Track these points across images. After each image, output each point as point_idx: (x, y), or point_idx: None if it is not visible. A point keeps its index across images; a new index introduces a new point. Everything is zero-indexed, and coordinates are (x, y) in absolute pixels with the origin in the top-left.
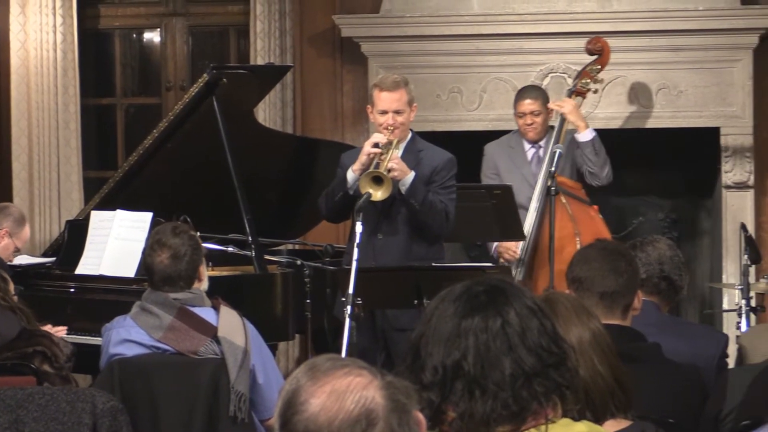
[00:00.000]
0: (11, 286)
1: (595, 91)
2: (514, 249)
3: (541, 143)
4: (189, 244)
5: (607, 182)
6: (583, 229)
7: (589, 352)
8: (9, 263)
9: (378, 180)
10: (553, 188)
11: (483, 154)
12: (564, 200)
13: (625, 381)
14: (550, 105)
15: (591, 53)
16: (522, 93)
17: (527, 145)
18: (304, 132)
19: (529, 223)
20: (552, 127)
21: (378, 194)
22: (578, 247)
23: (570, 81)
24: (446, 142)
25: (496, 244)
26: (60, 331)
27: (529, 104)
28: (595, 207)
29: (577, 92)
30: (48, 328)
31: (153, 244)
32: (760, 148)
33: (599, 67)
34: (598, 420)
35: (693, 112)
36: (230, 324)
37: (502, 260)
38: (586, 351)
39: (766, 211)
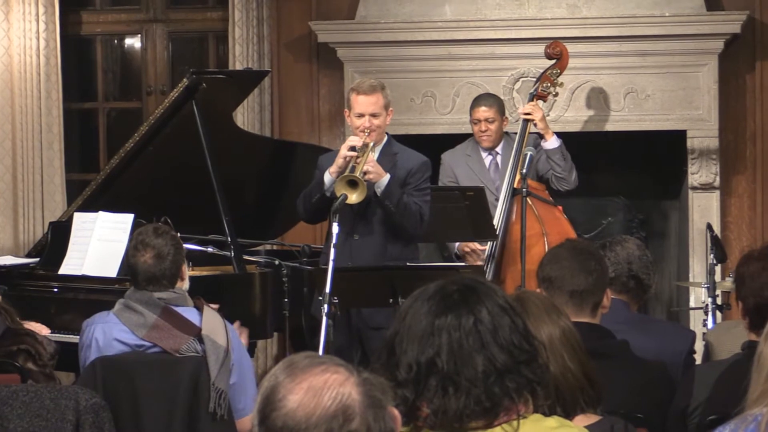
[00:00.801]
0: None
1: (556, 95)
2: (473, 248)
3: (498, 149)
4: (171, 243)
5: (573, 186)
6: (549, 229)
7: (560, 349)
8: None
9: (353, 183)
10: (524, 189)
11: (440, 162)
12: (530, 201)
13: (594, 377)
14: (519, 113)
15: (550, 57)
16: (477, 100)
17: (484, 153)
18: (281, 135)
19: (495, 224)
20: (507, 134)
21: (353, 197)
22: (546, 246)
23: None
24: (420, 145)
25: (458, 243)
26: (42, 330)
27: (483, 111)
28: (560, 207)
29: (539, 96)
30: (30, 325)
31: (137, 244)
32: (726, 151)
33: (558, 71)
34: (569, 415)
35: (660, 116)
36: (213, 323)
37: (467, 259)
38: (556, 348)
39: (732, 211)
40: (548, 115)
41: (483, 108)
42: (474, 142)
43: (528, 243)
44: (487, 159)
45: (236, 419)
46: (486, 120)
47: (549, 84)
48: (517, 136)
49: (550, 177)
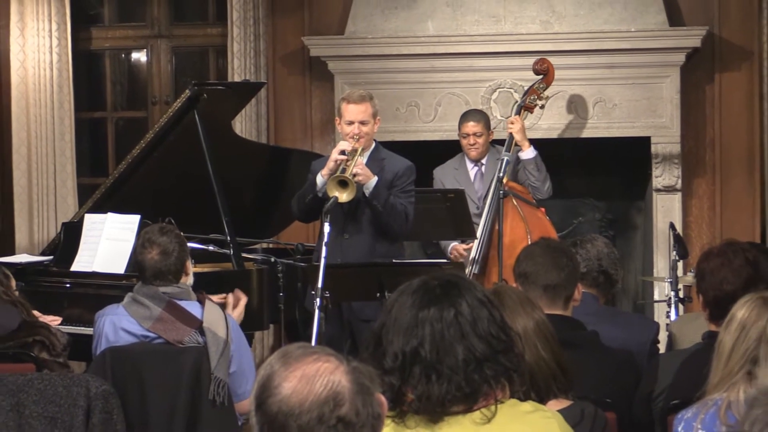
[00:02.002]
0: (13, 282)
1: (542, 107)
2: (461, 251)
3: (483, 161)
4: (176, 241)
5: (547, 196)
6: (533, 229)
7: (533, 340)
8: (12, 262)
9: (343, 183)
10: (501, 191)
11: (432, 177)
12: (515, 203)
13: (565, 366)
14: (507, 125)
15: (537, 73)
16: (466, 116)
17: (470, 165)
18: (276, 142)
19: (481, 226)
20: (492, 145)
21: (343, 196)
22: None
23: (516, 95)
24: (405, 151)
25: (452, 245)
26: (54, 321)
27: (472, 126)
28: (542, 209)
29: (526, 107)
30: (44, 318)
31: (144, 242)
32: (687, 156)
33: (545, 85)
34: (542, 400)
35: (626, 123)
36: (213, 316)
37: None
38: (530, 338)
39: (693, 212)
40: (526, 124)
41: (471, 123)
42: (461, 157)
43: (513, 242)
44: (473, 171)
45: (237, 402)
46: (474, 134)
47: (536, 97)
48: (506, 144)
49: (527, 186)
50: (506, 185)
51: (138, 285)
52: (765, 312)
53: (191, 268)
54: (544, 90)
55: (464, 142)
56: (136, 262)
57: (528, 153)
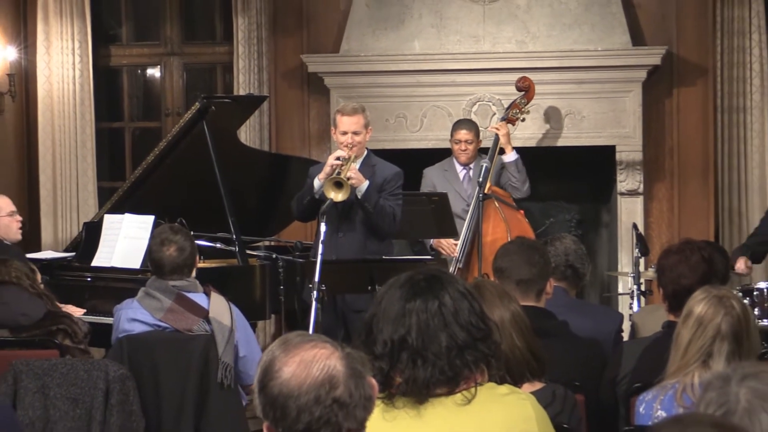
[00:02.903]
0: (38, 276)
1: (523, 120)
2: (446, 244)
3: (471, 165)
4: (188, 239)
5: (526, 195)
6: (513, 229)
7: (509, 330)
8: (38, 258)
9: (338, 185)
10: (481, 194)
11: (422, 176)
12: (497, 205)
13: (538, 353)
14: (491, 128)
15: (520, 89)
16: (459, 124)
17: (459, 167)
18: (278, 150)
19: (465, 226)
20: (480, 154)
21: (338, 197)
22: None
23: (494, 108)
24: (394, 158)
25: (432, 240)
26: (77, 311)
27: (464, 134)
28: (521, 211)
29: (509, 120)
30: (67, 308)
31: (162, 241)
32: (648, 163)
33: (526, 101)
34: (516, 384)
35: (594, 133)
36: (219, 307)
37: (441, 252)
38: (506, 328)
39: (653, 213)
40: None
41: (464, 131)
42: (451, 160)
43: (495, 241)
44: (462, 173)
45: (247, 383)
46: (466, 141)
47: (518, 111)
48: (490, 151)
49: (508, 186)
50: (489, 189)
51: (150, 280)
52: (720, 310)
53: (197, 264)
54: (526, 105)
55: (456, 147)
56: (152, 259)
57: (510, 156)
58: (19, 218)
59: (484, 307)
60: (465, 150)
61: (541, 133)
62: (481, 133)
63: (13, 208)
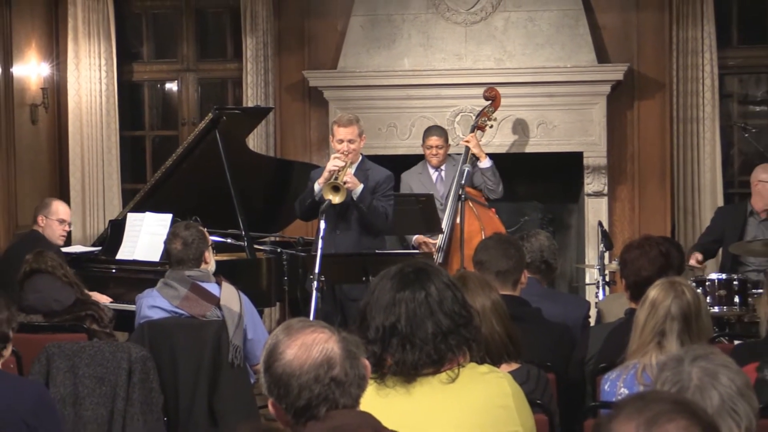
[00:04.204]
0: (68, 268)
1: (491, 126)
2: (425, 241)
3: (442, 167)
4: (196, 235)
5: (500, 196)
6: (486, 225)
7: (490, 316)
8: (69, 251)
9: (336, 188)
10: (463, 195)
11: (400, 180)
12: (471, 204)
13: (515, 338)
14: (462, 142)
15: (487, 99)
16: (430, 131)
17: (432, 170)
18: (282, 155)
19: (443, 223)
20: (450, 156)
21: (336, 198)
22: (483, 238)
23: (474, 118)
24: (386, 163)
25: (415, 237)
26: (104, 299)
27: (435, 140)
28: (493, 209)
29: (478, 127)
30: (94, 296)
31: (170, 236)
32: (612, 167)
33: (493, 109)
34: (495, 364)
35: (563, 141)
36: (229, 295)
37: (422, 248)
38: (487, 315)
39: (617, 212)
40: (482, 141)
41: (435, 137)
42: (424, 164)
43: (469, 236)
44: (434, 175)
45: (254, 364)
46: (436, 146)
47: (486, 119)
48: (461, 157)
49: (483, 188)
50: (463, 190)
51: (168, 272)
52: (671, 293)
53: (212, 257)
54: (493, 113)
55: (428, 152)
56: (165, 251)
57: (485, 163)
58: (67, 228)
59: (466, 296)
60: (436, 154)
61: (517, 140)
62: (452, 141)
63: (66, 218)
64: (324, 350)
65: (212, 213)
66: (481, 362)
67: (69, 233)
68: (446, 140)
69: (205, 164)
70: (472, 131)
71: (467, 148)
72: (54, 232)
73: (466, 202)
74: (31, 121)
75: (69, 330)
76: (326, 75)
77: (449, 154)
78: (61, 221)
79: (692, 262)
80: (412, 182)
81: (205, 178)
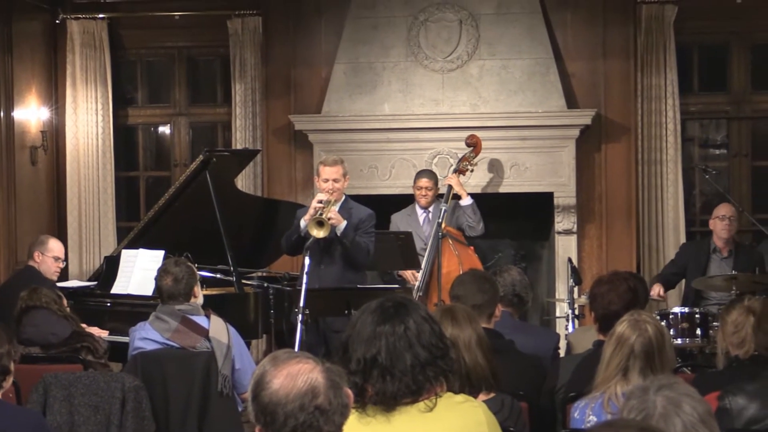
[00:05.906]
0: (65, 301)
1: (472, 171)
2: (408, 274)
3: (430, 209)
4: (186, 271)
5: (481, 234)
6: (464, 262)
7: (475, 350)
8: (66, 286)
9: (320, 224)
10: (440, 233)
11: (390, 221)
12: (451, 242)
13: (495, 370)
14: (444, 181)
15: (468, 145)
16: (420, 174)
17: (420, 211)
18: (269, 195)
19: (424, 260)
20: (438, 198)
21: (320, 233)
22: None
23: (451, 160)
24: (368, 202)
25: (400, 271)
26: (101, 333)
27: (425, 182)
28: (472, 248)
29: (459, 171)
30: (89, 329)
31: (161, 272)
32: (581, 207)
33: (474, 155)
34: (475, 394)
35: (535, 182)
36: (218, 327)
37: (404, 278)
38: (473, 348)
39: (585, 249)
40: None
41: (425, 179)
42: (413, 206)
43: (449, 272)
44: (422, 216)
45: (242, 393)
46: (426, 188)
47: (467, 163)
48: (444, 196)
49: (465, 227)
50: (444, 229)
51: (159, 306)
52: (635, 332)
53: (200, 292)
54: (474, 158)
55: (418, 193)
56: (156, 286)
57: (466, 201)
58: (61, 265)
59: (453, 328)
60: (425, 195)
61: (491, 181)
62: (438, 181)
63: (60, 255)
64: (309, 380)
65: (203, 249)
66: (457, 392)
67: (65, 268)
68: (436, 183)
69: (196, 203)
70: (454, 173)
71: (449, 187)
72: (49, 268)
73: (445, 239)
74: (31, 162)
75: (65, 361)
76: (311, 119)
77: (440, 195)
78: (56, 258)
79: (653, 294)
80: (400, 223)
81: (196, 217)
